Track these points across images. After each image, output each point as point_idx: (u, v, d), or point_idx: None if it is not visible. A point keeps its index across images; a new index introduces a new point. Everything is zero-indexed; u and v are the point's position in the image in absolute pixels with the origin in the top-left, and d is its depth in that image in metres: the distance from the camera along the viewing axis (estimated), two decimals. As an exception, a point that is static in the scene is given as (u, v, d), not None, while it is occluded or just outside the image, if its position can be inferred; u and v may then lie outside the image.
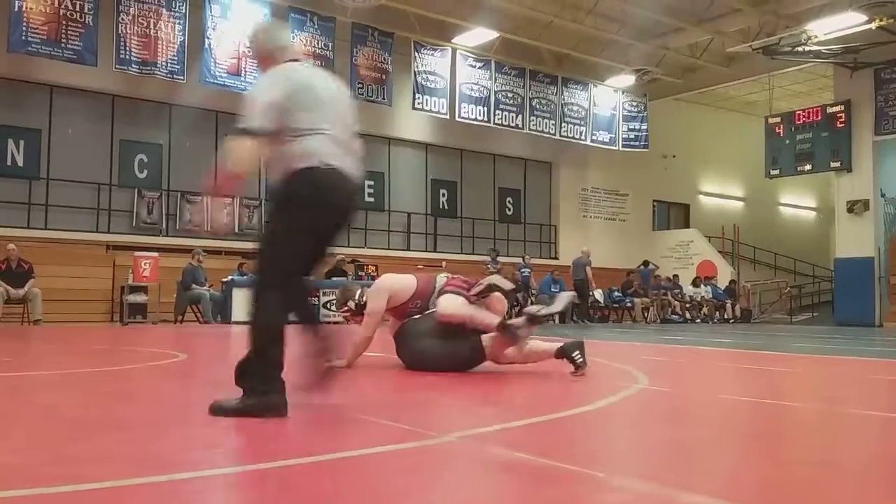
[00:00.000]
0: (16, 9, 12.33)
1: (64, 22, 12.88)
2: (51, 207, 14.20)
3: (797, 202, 27.51)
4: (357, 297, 4.58)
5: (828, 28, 15.51)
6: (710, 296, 19.78)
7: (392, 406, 3.22)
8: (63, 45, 12.94)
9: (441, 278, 4.61)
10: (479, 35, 17.12)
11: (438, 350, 4.18)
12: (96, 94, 14.74)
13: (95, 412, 2.99)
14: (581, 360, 4.02)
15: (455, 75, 17.40)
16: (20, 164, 14.06)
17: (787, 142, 18.81)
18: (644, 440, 2.54)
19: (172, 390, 3.80)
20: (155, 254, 13.28)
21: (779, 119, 19.12)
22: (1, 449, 2.12)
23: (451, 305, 4.17)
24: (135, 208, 15.06)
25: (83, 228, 14.35)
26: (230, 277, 13.44)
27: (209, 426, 2.60)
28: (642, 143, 20.70)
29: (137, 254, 13.15)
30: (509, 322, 4.10)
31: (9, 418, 2.80)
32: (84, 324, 12.23)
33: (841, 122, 17.72)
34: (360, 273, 15.60)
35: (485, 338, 4.15)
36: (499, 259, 17.00)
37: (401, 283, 4.56)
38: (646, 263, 20.37)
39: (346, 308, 4.59)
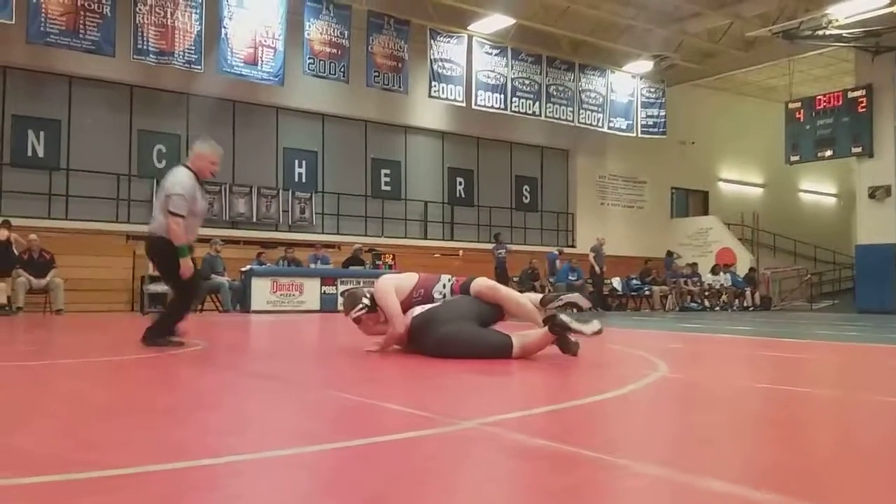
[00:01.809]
0: (34, 0, 12.41)
1: (82, 13, 12.96)
2: (71, 198, 14.35)
3: (818, 188, 27.23)
4: (368, 297, 4.56)
5: (849, 12, 15.30)
6: (729, 283, 19.65)
7: (412, 393, 3.24)
8: (81, 35, 13.02)
9: (447, 277, 4.64)
10: (496, 22, 17.03)
11: (469, 332, 4.18)
12: (114, 85, 14.84)
13: (118, 399, 3.03)
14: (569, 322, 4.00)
15: (471, 63, 17.34)
16: (41, 154, 14.21)
17: (808, 127, 18.59)
18: (664, 427, 2.54)
19: (192, 377, 3.83)
20: (174, 243, 13.35)
21: (799, 104, 18.89)
22: (27, 436, 2.15)
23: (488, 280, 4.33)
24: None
25: (103, 219, 14.49)
26: (248, 267, 13.53)
27: (228, 413, 2.63)
28: (660, 130, 20.54)
29: (157, 244, 13.22)
30: (558, 316, 4.09)
31: (34, 406, 2.84)
32: (105, 313, 12.36)
33: (862, 107, 17.49)
34: (377, 262, 15.63)
35: (515, 336, 4.18)
36: (504, 244, 16.94)
37: (401, 277, 4.63)
38: (670, 254, 20.30)
39: (360, 307, 4.54)
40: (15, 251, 11.56)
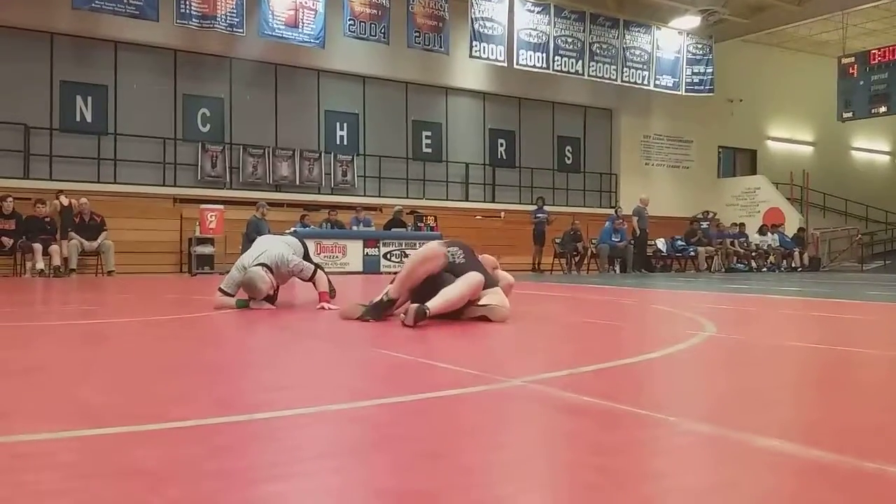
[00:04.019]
0: (79, -34, 12.55)
1: (126, -22, 13.07)
2: (119, 162, 14.62)
3: (871, 146, 26.43)
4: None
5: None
6: (778, 244, 19.30)
7: (458, 352, 3.26)
8: (125, 0, 13.13)
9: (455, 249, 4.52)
10: (538, -22, 16.72)
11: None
12: (159, 50, 14.99)
13: (173, 356, 3.11)
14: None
15: (513, 21, 17.09)
16: (89, 119, 14.48)
17: (861, 83, 18.00)
18: (714, 386, 2.52)
19: (242, 336, 3.91)
20: (220, 206, 13.61)
21: (852, 59, 18.27)
22: (91, 390, 2.22)
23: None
24: (199, 162, 15.39)
25: (151, 182, 14.75)
26: (293, 229, 13.65)
27: (281, 370, 2.68)
28: (707, 88, 20.07)
29: (203, 206, 13.50)
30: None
31: (95, 362, 2.93)
32: (154, 275, 12.65)
33: (920, 61, 16.86)
34: (418, 224, 15.68)
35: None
36: (545, 208, 16.87)
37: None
38: (704, 214, 19.96)
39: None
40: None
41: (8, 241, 11.27)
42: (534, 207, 17.24)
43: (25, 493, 1.25)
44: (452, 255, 4.37)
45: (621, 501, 1.26)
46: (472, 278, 4.11)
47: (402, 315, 3.87)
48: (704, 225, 19.37)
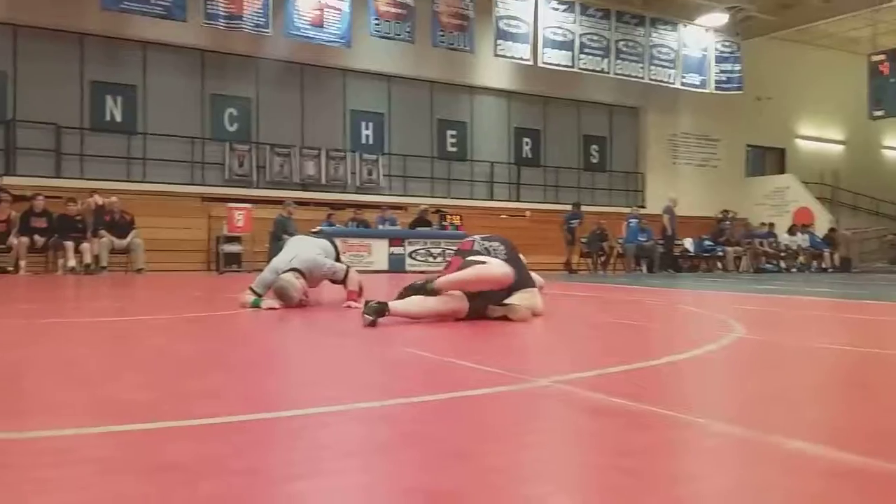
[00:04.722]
0: (108, -33, 12.72)
1: (153, -22, 13.23)
2: (148, 161, 14.80)
3: (903, 145, 25.98)
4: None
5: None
6: (807, 244, 19.03)
7: (485, 352, 3.25)
8: (153, 1, 13.29)
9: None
10: (564, -24, 16.64)
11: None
12: (186, 50, 15.16)
13: (202, 353, 3.14)
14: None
15: (538, 19, 17.03)
16: (118, 119, 14.68)
17: (893, 80, 17.73)
18: (743, 388, 2.49)
19: (271, 334, 3.94)
20: (248, 205, 13.71)
21: (883, 56, 17.98)
22: (122, 387, 2.25)
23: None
24: (226, 161, 15.53)
25: (179, 181, 14.92)
26: (319, 228, 13.69)
27: (310, 367, 2.70)
28: (735, 85, 19.86)
29: (231, 205, 13.62)
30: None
31: (125, 359, 2.97)
32: (183, 272, 12.78)
33: (954, 58, 16.54)
34: (443, 223, 15.68)
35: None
36: (582, 212, 16.77)
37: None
38: (724, 213, 19.72)
39: None
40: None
41: (40, 239, 11.46)
42: (568, 208, 17.10)
43: (61, 488, 1.27)
44: (494, 250, 4.40)
45: (653, 502, 1.26)
46: (458, 301, 4.06)
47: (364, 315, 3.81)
48: (725, 225, 19.17)
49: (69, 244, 11.37)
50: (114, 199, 12.33)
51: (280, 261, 4.96)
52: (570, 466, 1.51)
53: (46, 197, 11.89)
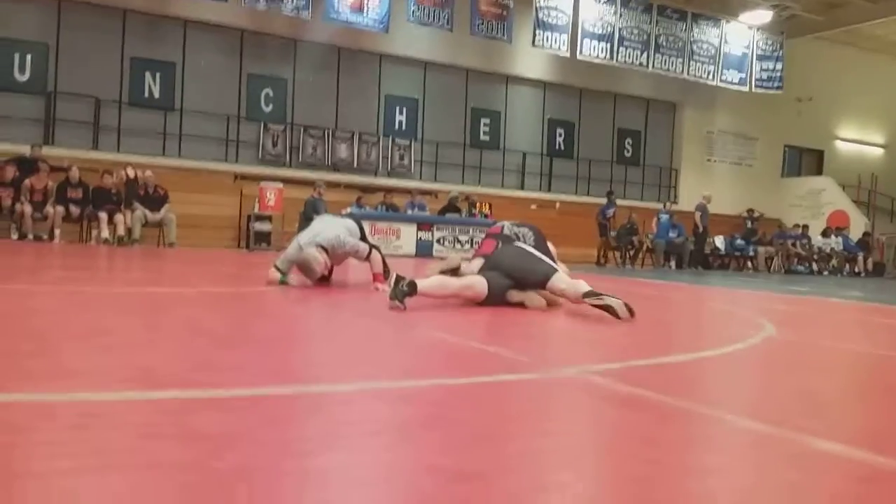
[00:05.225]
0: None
1: (196, -43, 13.29)
2: (184, 137, 14.94)
3: (945, 151, 25.36)
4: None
5: None
6: (841, 247, 18.70)
7: (513, 339, 3.26)
8: (195, -21, 13.36)
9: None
10: (606, -32, 16.44)
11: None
12: (226, 29, 15.25)
13: (231, 327, 3.18)
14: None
15: (578, 11, 16.86)
16: (156, 95, 14.83)
17: (940, 84, 17.27)
18: (773, 387, 2.47)
19: (298, 312, 3.98)
20: (279, 184, 13.80)
21: (931, 60, 17.52)
22: (152, 356, 2.29)
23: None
24: (260, 141, 15.63)
25: (213, 158, 15.05)
26: (349, 210, 13.80)
27: (337, 346, 2.72)
28: (776, 85, 19.50)
29: (263, 184, 13.72)
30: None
31: (155, 329, 3.02)
32: (213, 248, 12.92)
33: None
34: (472, 211, 15.66)
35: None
36: (616, 202, 16.62)
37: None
38: (749, 212, 19.43)
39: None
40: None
41: (75, 210, 11.65)
42: (599, 201, 16.96)
43: (94, 451, 1.30)
44: (522, 236, 4.50)
45: (672, 495, 1.25)
46: (478, 286, 4.13)
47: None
48: (749, 224, 18.86)
49: (103, 215, 11.54)
50: (149, 173, 12.48)
51: (304, 237, 5.01)
52: (592, 455, 1.51)
53: (83, 169, 12.07)
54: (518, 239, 4.52)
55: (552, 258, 4.42)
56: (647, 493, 1.24)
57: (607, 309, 3.86)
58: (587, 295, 3.96)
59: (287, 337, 3.02)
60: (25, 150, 12.36)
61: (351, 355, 2.56)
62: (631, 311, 3.82)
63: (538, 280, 4.16)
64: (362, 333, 3.20)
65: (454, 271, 4.24)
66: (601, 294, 3.93)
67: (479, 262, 4.38)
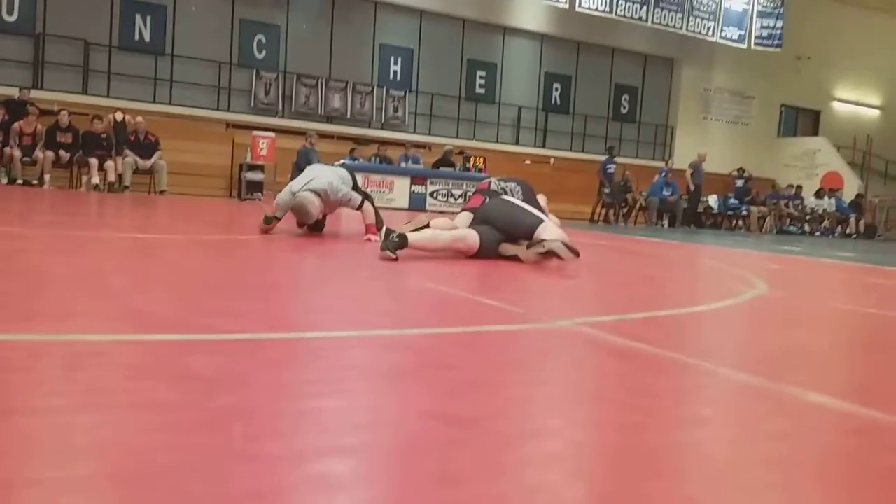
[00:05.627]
0: None
1: None
2: (175, 83, 14.72)
3: (943, 113, 25.28)
4: None
5: None
6: (833, 209, 18.75)
7: (506, 292, 3.26)
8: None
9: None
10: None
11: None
12: (218, -29, 14.92)
13: (225, 274, 3.17)
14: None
15: (578, -39, 16.55)
16: (147, 39, 14.56)
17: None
18: (765, 342, 2.48)
19: (290, 260, 3.96)
20: (272, 134, 13.65)
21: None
22: (146, 300, 2.28)
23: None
24: (253, 88, 15.42)
25: (204, 105, 14.86)
26: (342, 161, 13.67)
27: (334, 295, 2.71)
28: (775, 43, 19.31)
29: (255, 133, 13.57)
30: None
31: (147, 273, 3.00)
32: (204, 197, 12.83)
33: None
34: (466, 165, 15.57)
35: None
36: (616, 159, 16.45)
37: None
38: (740, 171, 19.29)
39: None
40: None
41: (65, 155, 11.51)
42: (594, 157, 16.85)
43: (86, 389, 1.29)
44: (510, 190, 4.50)
45: (663, 443, 1.26)
46: (470, 238, 4.15)
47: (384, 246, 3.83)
48: (739, 183, 18.75)
49: (94, 161, 11.41)
50: (139, 119, 12.31)
51: (297, 183, 4.98)
52: (586, 402, 1.52)
53: (72, 113, 11.89)
54: (506, 193, 4.53)
55: (541, 210, 4.44)
56: (639, 440, 1.25)
57: (551, 254, 3.92)
58: (530, 246, 4.04)
59: (280, 284, 3.01)
60: (14, 92, 12.16)
61: (345, 304, 2.56)
62: (574, 252, 3.86)
63: (526, 231, 4.17)
64: (356, 283, 3.19)
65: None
66: (543, 240, 3.96)
67: (466, 216, 4.38)
